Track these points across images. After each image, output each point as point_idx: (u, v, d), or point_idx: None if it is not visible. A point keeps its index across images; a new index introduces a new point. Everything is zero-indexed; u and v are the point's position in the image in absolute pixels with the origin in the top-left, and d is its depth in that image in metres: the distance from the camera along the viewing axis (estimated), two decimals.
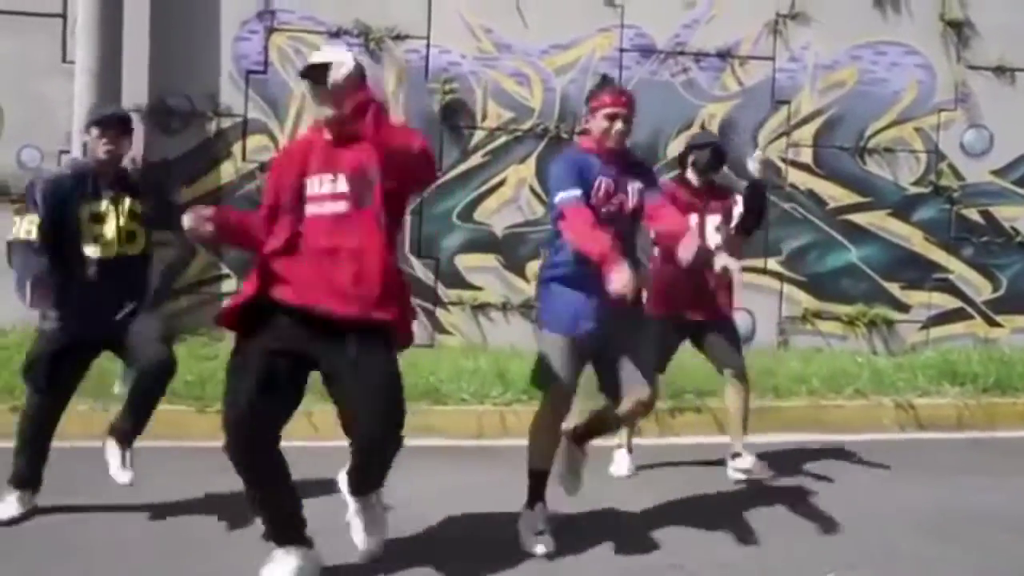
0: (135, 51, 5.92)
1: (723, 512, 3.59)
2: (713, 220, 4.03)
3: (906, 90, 6.62)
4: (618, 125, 3.17)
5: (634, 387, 3.11)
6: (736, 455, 4.03)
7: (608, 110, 3.18)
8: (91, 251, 3.31)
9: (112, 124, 3.38)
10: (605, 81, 3.35)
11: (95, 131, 3.37)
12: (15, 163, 5.99)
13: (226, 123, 6.16)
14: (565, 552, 3.12)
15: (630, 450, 4.18)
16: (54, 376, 3.31)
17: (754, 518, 3.53)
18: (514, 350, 5.95)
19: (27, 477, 3.39)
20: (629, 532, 3.35)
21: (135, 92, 5.95)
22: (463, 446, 4.56)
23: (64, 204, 3.29)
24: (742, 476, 4.00)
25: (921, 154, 6.68)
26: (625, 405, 3.14)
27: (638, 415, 3.27)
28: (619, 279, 2.83)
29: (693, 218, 3.94)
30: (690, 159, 4.11)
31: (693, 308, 4.00)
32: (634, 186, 3.21)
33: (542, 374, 3.16)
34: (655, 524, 3.43)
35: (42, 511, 3.39)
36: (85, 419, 4.22)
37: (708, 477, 4.07)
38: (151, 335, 3.32)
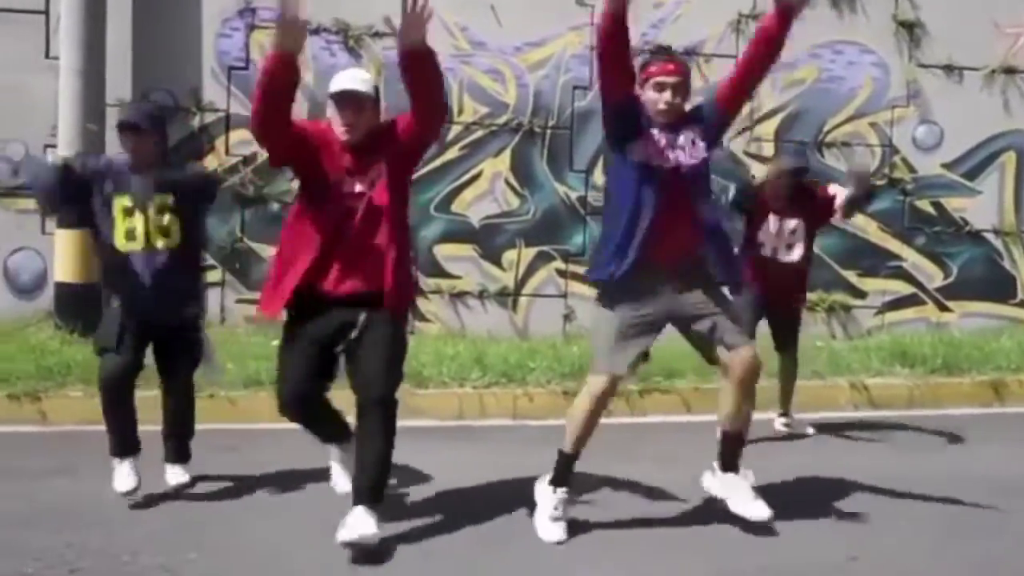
0: (118, 47, 6.06)
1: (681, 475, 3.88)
2: (790, 224, 4.45)
3: (862, 87, 6.96)
4: (666, 95, 3.05)
5: None
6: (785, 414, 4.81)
7: (656, 79, 3.07)
8: (122, 245, 3.40)
9: (125, 128, 3.41)
10: (656, 52, 3.34)
11: (119, 135, 3.42)
12: (1, 158, 6.10)
13: (209, 118, 6.32)
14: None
15: None
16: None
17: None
18: (491, 336, 6.22)
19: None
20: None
21: (119, 87, 6.09)
22: (445, 426, 4.80)
23: (102, 183, 3.41)
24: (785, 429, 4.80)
25: (876, 148, 7.03)
26: None
27: None
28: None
29: (773, 220, 4.42)
30: (781, 183, 4.41)
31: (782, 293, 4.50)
32: (689, 137, 3.08)
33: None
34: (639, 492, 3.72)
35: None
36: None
37: (679, 451, 4.37)
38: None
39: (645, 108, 3.10)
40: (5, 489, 3.56)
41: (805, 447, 4.58)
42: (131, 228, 3.39)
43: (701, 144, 3.11)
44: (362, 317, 3.04)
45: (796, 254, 4.54)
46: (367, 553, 2.89)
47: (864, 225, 7.03)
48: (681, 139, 3.08)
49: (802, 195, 4.51)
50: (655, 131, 3.07)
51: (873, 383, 5.55)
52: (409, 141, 3.12)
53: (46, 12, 6.10)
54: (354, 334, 3.04)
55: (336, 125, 3.11)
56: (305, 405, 3.17)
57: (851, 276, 7.03)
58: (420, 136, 3.14)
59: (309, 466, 3.70)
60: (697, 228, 3.09)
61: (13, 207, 6.15)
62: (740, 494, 3.19)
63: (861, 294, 7.04)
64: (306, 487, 3.64)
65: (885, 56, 6.98)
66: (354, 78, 3.18)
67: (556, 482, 3.20)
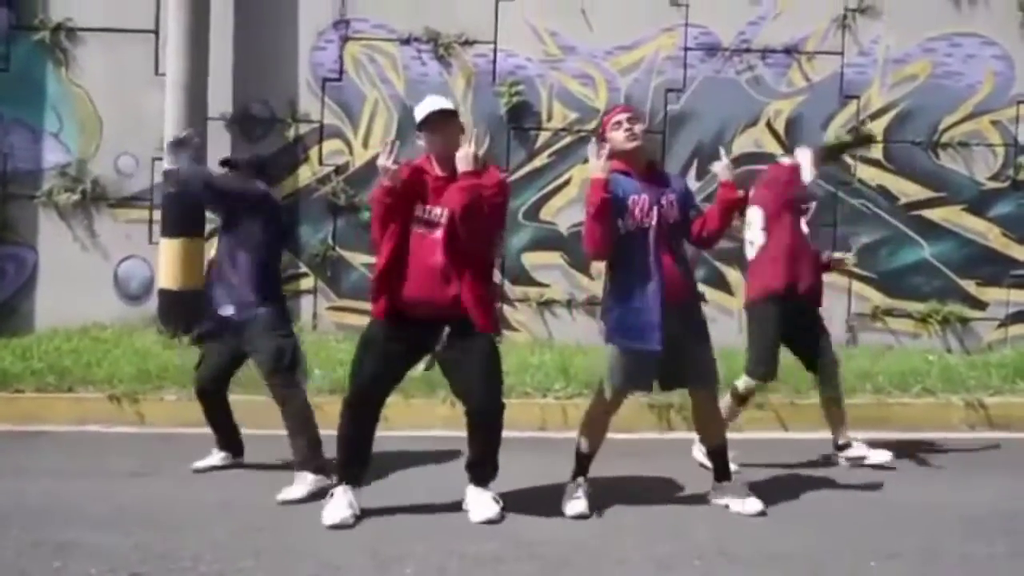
0: (220, 63, 6.29)
1: (774, 502, 3.65)
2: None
3: (982, 83, 6.46)
4: (625, 126, 3.49)
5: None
6: (846, 446, 4.21)
7: (616, 117, 3.57)
8: None
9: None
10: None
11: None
12: (113, 170, 6.44)
13: (304, 128, 6.47)
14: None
15: None
16: None
17: (801, 508, 3.59)
18: (579, 346, 6.09)
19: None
20: (676, 519, 3.46)
21: (220, 101, 6.33)
22: (524, 437, 4.70)
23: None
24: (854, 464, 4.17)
25: (998, 148, 6.51)
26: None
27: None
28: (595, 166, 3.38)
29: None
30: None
31: (806, 277, 4.14)
32: (669, 198, 3.54)
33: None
34: (704, 513, 3.53)
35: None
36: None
37: (766, 471, 4.13)
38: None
39: (618, 185, 3.45)
40: (89, 489, 3.67)
41: (909, 466, 4.24)
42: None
43: (677, 208, 3.53)
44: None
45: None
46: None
47: (984, 231, 6.52)
48: (663, 200, 3.50)
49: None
50: (635, 196, 3.46)
51: (992, 402, 5.12)
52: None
53: (156, 31, 6.40)
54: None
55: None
56: None
57: (969, 286, 6.53)
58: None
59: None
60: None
61: (124, 217, 6.48)
62: (736, 497, 3.59)
63: (981, 305, 6.52)
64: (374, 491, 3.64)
65: (1009, 48, 6.46)
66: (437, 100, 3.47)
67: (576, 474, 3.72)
